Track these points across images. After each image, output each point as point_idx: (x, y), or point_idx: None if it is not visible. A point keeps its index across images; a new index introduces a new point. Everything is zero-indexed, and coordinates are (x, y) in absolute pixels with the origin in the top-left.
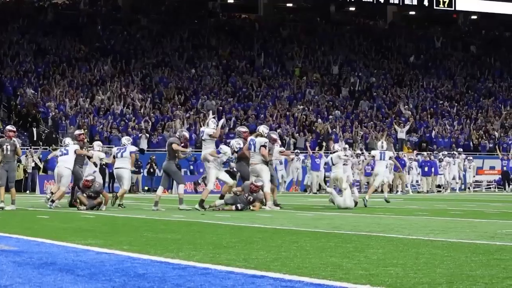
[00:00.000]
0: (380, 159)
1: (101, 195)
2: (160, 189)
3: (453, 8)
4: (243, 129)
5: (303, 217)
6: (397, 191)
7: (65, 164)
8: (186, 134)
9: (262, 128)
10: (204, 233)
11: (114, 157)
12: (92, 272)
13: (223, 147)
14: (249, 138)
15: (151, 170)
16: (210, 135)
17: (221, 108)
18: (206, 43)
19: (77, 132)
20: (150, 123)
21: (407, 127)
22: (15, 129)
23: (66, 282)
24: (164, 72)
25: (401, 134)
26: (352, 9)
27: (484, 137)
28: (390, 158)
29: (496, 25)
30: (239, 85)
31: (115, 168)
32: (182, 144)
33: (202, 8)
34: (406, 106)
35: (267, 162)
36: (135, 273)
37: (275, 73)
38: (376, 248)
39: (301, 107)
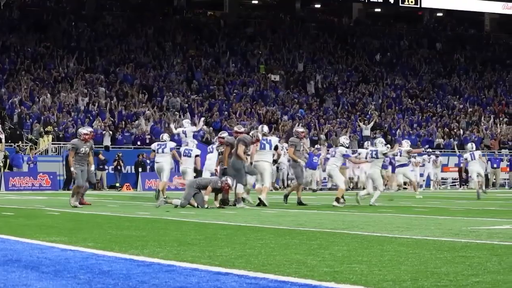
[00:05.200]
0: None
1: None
2: (240, 187)
3: (418, 6)
4: (241, 129)
5: (267, 214)
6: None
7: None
8: (260, 136)
9: (266, 128)
10: (168, 230)
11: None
12: (57, 269)
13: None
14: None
15: (118, 167)
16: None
17: (186, 105)
18: (171, 40)
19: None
20: (114, 120)
21: (371, 124)
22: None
23: (31, 279)
24: (129, 69)
25: (366, 131)
26: (318, 6)
27: (449, 135)
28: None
29: (461, 22)
30: (204, 82)
31: (156, 162)
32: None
33: (167, 5)
34: (372, 106)
35: (275, 161)
36: (100, 270)
37: (240, 70)
38: (341, 245)
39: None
